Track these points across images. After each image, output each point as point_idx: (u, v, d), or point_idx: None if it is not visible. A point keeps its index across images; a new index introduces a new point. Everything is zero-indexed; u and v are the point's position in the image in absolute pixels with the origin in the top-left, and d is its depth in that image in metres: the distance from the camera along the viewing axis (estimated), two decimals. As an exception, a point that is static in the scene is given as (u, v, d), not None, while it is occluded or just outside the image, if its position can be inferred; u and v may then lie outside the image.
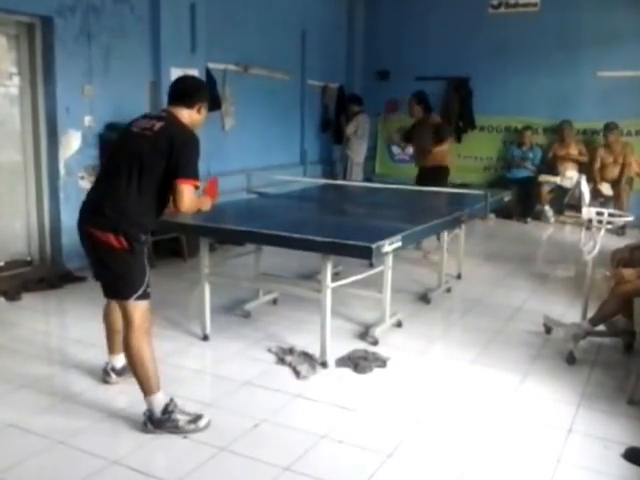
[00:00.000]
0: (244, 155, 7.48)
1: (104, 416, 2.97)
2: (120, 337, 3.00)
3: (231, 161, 7.23)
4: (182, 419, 2.82)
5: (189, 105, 2.95)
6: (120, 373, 3.29)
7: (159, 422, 2.81)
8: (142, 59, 5.93)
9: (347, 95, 9.29)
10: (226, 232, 3.94)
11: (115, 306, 3.04)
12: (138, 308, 2.82)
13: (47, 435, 2.79)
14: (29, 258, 5.39)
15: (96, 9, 5.40)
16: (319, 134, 9.41)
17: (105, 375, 3.31)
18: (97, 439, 2.78)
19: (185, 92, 2.98)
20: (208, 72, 6.69)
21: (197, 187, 2.83)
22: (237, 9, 7.11)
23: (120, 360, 3.25)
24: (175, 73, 6.12)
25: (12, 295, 4.69)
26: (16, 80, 5.14)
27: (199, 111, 3.00)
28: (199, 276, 3.98)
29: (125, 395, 3.19)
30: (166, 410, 2.81)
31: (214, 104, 6.88)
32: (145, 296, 2.84)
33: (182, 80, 3.12)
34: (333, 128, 9.34)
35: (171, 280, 5.27)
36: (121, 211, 2.76)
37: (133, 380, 2.91)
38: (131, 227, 2.77)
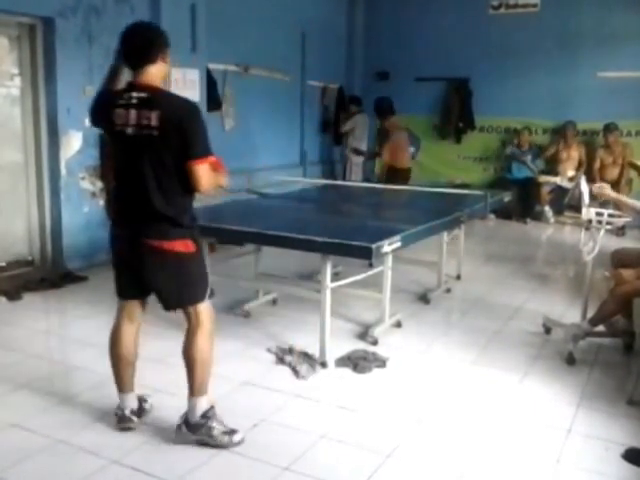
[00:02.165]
0: (244, 155, 7.48)
1: (105, 415, 2.96)
2: (133, 370, 2.83)
3: (231, 161, 7.10)
4: (218, 428, 2.70)
5: (153, 60, 2.60)
6: (140, 414, 2.89)
7: (195, 426, 2.69)
8: (142, 60, 5.93)
9: (347, 96, 9.31)
10: (226, 232, 3.95)
11: (129, 330, 2.80)
12: (208, 308, 2.75)
13: (47, 434, 2.79)
14: (30, 258, 5.40)
15: (97, 10, 5.42)
16: (319, 135, 9.43)
17: (125, 422, 2.82)
18: (97, 438, 2.78)
19: (144, 48, 2.59)
20: (208, 72, 6.70)
21: (212, 163, 2.57)
22: (237, 10, 7.12)
23: (134, 399, 2.88)
24: (175, 73, 6.14)
25: (13, 295, 4.70)
26: (17, 81, 5.16)
27: (164, 60, 2.65)
28: (199, 276, 3.98)
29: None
30: (205, 415, 2.70)
31: (214, 104, 6.91)
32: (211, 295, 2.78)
33: (133, 34, 2.62)
34: (333, 129, 9.36)
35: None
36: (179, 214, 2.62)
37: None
38: (191, 227, 2.66)
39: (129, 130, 2.55)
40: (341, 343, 3.87)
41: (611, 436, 2.89)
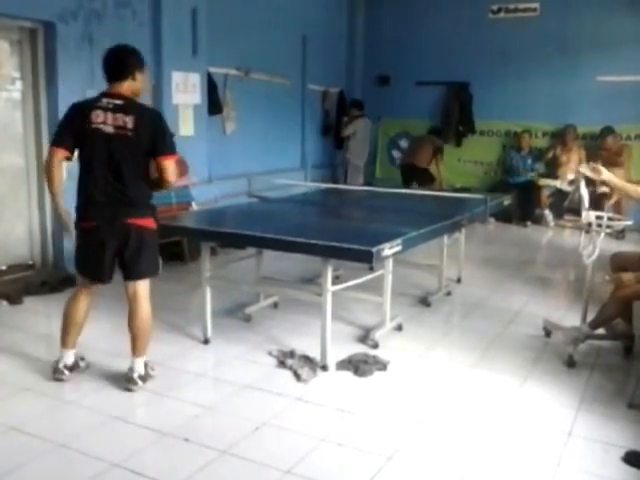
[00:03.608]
0: (245, 159, 7.50)
1: (105, 419, 2.98)
2: (79, 331, 3.39)
3: (232, 165, 7.25)
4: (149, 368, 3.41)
5: (125, 77, 3.15)
6: (72, 369, 3.42)
7: (145, 376, 3.32)
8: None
9: (349, 100, 9.34)
10: (227, 236, 3.96)
11: (83, 296, 3.35)
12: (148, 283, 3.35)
13: (49, 438, 2.80)
14: (31, 262, 5.41)
15: (98, 14, 5.43)
16: (320, 139, 9.45)
17: (57, 373, 3.36)
18: (98, 442, 2.79)
19: (118, 66, 3.15)
20: (209, 76, 6.72)
21: (177, 160, 3.28)
22: (238, 13, 7.14)
23: (72, 356, 3.42)
24: (176, 77, 6.17)
25: (14, 298, 4.71)
26: (19, 85, 5.18)
27: (134, 78, 3.18)
28: (200, 279, 3.99)
29: (127, 398, 3.21)
30: (146, 364, 3.36)
31: (215, 108, 6.92)
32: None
33: (111, 55, 3.20)
34: (334, 133, 9.38)
35: (172, 283, 5.28)
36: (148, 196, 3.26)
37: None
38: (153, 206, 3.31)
39: (107, 129, 3.10)
40: (342, 346, 3.88)
41: (611, 439, 2.90)
